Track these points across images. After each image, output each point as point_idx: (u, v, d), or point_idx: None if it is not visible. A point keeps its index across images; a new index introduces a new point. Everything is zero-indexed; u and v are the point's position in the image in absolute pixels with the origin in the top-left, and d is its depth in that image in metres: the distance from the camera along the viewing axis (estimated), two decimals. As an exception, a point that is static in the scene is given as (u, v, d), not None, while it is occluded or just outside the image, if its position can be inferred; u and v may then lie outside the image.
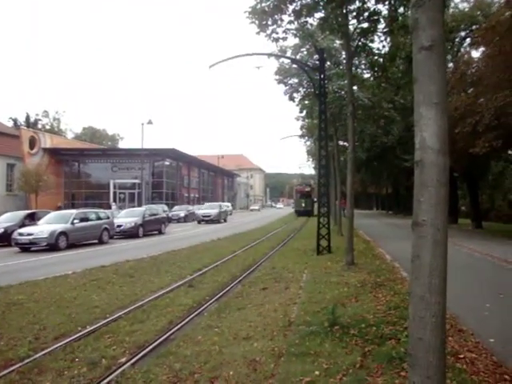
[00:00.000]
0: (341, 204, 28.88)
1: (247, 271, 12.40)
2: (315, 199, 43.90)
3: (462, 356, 5.15)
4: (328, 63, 20.81)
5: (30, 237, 18.53)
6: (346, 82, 16.60)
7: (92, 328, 6.98)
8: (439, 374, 3.06)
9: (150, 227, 27.25)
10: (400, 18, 12.69)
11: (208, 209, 43.06)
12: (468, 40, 28.50)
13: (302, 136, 40.99)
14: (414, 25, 3.18)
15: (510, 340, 5.88)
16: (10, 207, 35.66)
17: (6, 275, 12.25)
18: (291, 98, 25.51)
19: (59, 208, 31.98)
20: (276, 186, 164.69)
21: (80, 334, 6.69)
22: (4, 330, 6.94)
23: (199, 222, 40.16)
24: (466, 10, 28.45)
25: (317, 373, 4.79)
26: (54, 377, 5.12)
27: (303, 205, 54.27)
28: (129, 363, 5.45)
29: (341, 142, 29.54)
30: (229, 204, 66.30)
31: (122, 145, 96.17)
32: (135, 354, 5.77)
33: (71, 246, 19.53)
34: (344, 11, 12.56)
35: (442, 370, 3.10)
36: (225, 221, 43.54)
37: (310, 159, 58.68)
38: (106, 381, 4.92)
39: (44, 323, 7.26)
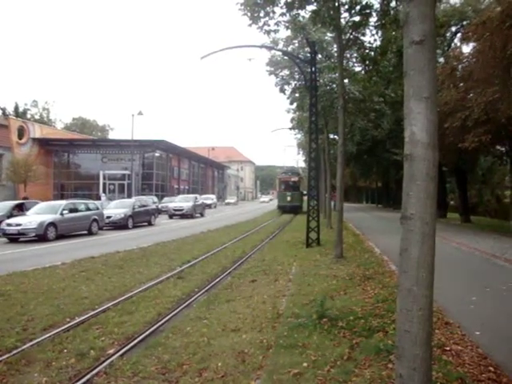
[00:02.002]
0: (331, 197, 28.94)
1: (236, 263, 12.44)
2: (305, 192, 40.88)
3: (448, 348, 5.22)
4: (319, 56, 20.78)
5: (19, 227, 18.40)
6: (337, 75, 16.62)
7: (81, 319, 6.98)
8: (425, 365, 3.11)
9: (140, 218, 27.16)
10: (392, 11, 12.71)
11: (181, 202, 37.63)
12: (459, 35, 28.54)
13: (292, 129, 40.66)
14: (405, 19, 3.18)
15: (495, 332, 5.96)
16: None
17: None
18: (282, 90, 25.47)
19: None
20: (266, 179, 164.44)
21: (68, 325, 6.68)
22: (-9, 320, 6.90)
23: (170, 217, 35.37)
24: (457, 5, 28.49)
25: (305, 364, 4.83)
26: (42, 368, 5.11)
27: (288, 198, 41.50)
28: (117, 354, 5.46)
29: (331, 136, 29.59)
30: (213, 196, 63.57)
31: (112, 136, 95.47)
32: (124, 345, 5.78)
33: (60, 236, 19.41)
34: (336, 4, 12.55)
35: (428, 362, 3.14)
36: (202, 215, 38.64)
37: (301, 152, 56.80)
38: (94, 372, 4.92)
39: (32, 314, 7.23)
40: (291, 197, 41.57)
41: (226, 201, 78.94)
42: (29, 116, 78.64)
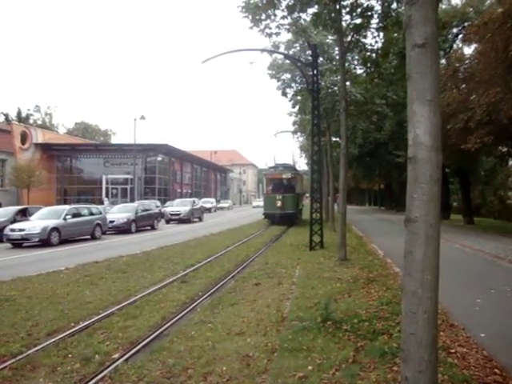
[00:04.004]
0: (334, 199, 28.84)
1: (240, 266, 12.43)
2: (307, 194, 35.77)
3: (453, 351, 5.21)
4: (321, 59, 20.81)
5: (22, 232, 18.43)
6: (338, 77, 16.63)
7: (85, 324, 6.97)
8: (431, 368, 3.10)
9: (143, 223, 27.19)
10: (393, 13, 12.72)
11: (178, 206, 36.19)
12: (460, 36, 28.54)
13: (294, 132, 40.45)
14: (407, 22, 3.19)
15: (501, 334, 5.94)
16: (1, 203, 35.41)
17: (-2, 271, 12.19)
18: (284, 94, 25.52)
19: None
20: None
21: (73, 329, 6.68)
22: (-4, 326, 6.92)
23: (168, 222, 34.01)
24: (459, 6, 28.51)
25: (310, 368, 4.82)
26: (48, 373, 5.12)
27: (279, 204, 28.68)
28: (122, 359, 5.45)
29: (333, 138, 29.59)
30: (212, 200, 61.92)
31: (114, 140, 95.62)
32: (128, 350, 5.77)
33: (63, 241, 19.43)
34: (337, 7, 12.58)
35: (433, 364, 3.14)
36: (200, 220, 37.31)
37: (303, 155, 55.99)
38: (99, 377, 4.92)
39: (37, 319, 7.24)
40: (282, 201, 28.71)
41: (219, 205, 66.09)
42: (31, 121, 78.99)
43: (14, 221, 20.59)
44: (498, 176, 41.95)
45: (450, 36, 29.43)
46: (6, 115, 75.17)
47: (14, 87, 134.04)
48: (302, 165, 71.42)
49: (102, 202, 40.77)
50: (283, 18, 12.90)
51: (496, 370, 4.65)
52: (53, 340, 6.18)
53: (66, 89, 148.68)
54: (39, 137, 50.28)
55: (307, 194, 37.04)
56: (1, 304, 8.29)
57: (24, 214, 21.84)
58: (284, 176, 31.48)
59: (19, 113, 78.63)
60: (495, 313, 7.05)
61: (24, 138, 47.28)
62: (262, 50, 19.16)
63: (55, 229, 19.13)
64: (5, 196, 42.48)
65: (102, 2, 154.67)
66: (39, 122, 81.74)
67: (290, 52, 22.83)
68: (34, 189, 41.47)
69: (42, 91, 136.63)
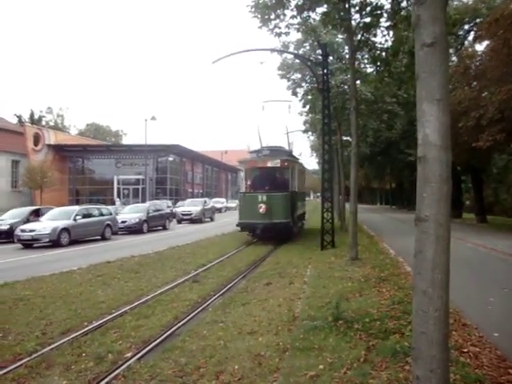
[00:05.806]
0: (346, 199, 28.77)
1: (252, 266, 12.47)
2: (318, 194, 32.51)
3: (465, 350, 5.17)
4: (331, 58, 20.72)
5: (33, 233, 18.59)
6: (348, 76, 16.57)
7: (98, 323, 7.07)
8: (442, 367, 3.10)
9: (155, 223, 27.33)
10: (402, 11, 12.65)
11: (190, 206, 36.31)
12: (472, 33, 28.29)
13: (305, 131, 40.28)
14: (416, 22, 3.20)
15: (514, 334, 5.89)
16: (15, 203, 35.84)
17: (12, 271, 12.35)
18: (294, 93, 25.44)
19: None
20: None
21: (86, 329, 6.78)
22: (12, 325, 7.04)
23: (179, 222, 33.85)
24: (470, 2, 28.26)
25: (321, 367, 4.83)
26: (62, 371, 5.21)
27: (262, 208, 18.01)
28: (135, 358, 5.52)
29: (344, 137, 29.47)
30: (223, 200, 60.54)
31: (125, 141, 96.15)
32: (141, 349, 5.85)
33: (73, 242, 19.57)
34: (346, 5, 12.53)
35: (445, 363, 3.14)
36: (211, 220, 37.36)
37: (314, 154, 55.47)
38: (112, 375, 4.99)
39: (51, 318, 7.35)
40: (268, 204, 18.24)
41: (226, 205, 59.59)
42: (44, 123, 79.78)
43: (27, 221, 20.87)
44: (511, 174, 41.41)
45: (461, 33, 29.19)
46: (19, 117, 76.08)
47: (27, 89, 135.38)
48: (313, 164, 70.88)
49: (113, 203, 41.09)
50: (292, 17, 12.88)
51: (510, 370, 4.59)
52: (67, 339, 6.28)
53: (77, 90, 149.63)
54: (51, 138, 50.79)
55: (318, 194, 35.92)
56: (16, 303, 8.42)
57: (37, 215, 22.09)
58: (270, 164, 19.77)
59: (32, 114, 79.51)
60: (509, 312, 6.98)
61: (37, 139, 47.83)
62: (272, 50, 19.13)
63: (65, 229, 19.27)
64: (19, 197, 43.01)
65: (113, 3, 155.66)
66: (51, 124, 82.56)
67: (300, 51, 22.77)
68: (47, 190, 41.94)
69: (54, 93, 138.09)
